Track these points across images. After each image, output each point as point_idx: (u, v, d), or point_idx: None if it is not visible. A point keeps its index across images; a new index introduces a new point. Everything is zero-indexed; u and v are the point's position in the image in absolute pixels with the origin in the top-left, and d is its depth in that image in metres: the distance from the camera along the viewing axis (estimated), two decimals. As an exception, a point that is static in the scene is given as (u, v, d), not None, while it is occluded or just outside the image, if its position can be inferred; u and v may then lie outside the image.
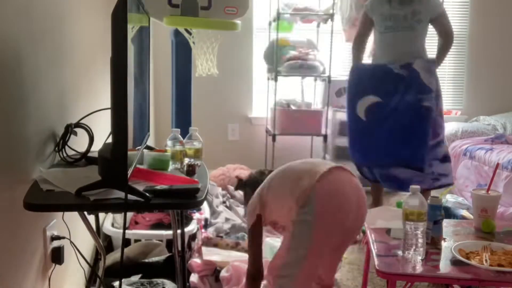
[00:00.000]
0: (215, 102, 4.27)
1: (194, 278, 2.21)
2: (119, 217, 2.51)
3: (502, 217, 2.93)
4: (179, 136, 1.83)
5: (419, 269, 1.55)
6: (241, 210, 3.28)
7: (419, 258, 1.57)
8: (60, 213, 1.66)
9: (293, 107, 3.98)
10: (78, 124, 1.74)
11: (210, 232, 2.74)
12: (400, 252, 1.62)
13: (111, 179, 1.29)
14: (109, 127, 1.28)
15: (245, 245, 2.54)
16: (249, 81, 4.31)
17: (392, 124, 2.98)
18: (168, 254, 2.33)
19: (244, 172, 3.75)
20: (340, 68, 4.23)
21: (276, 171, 1.77)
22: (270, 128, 3.97)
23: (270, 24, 4.03)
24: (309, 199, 1.58)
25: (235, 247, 2.53)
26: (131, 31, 1.57)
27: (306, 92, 4.26)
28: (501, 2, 4.45)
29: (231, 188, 3.54)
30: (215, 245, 2.51)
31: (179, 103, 2.98)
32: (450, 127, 4.23)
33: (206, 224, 2.81)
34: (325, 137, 3.89)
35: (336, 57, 4.06)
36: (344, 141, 3.52)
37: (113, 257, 2.27)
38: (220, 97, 4.28)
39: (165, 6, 2.62)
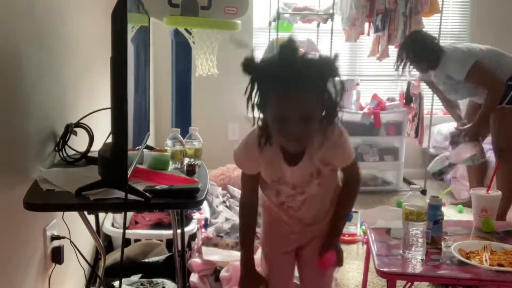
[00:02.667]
0: (215, 102, 4.27)
1: (194, 278, 2.21)
2: (119, 217, 2.51)
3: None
4: (179, 136, 1.83)
5: (419, 269, 1.55)
6: (241, 210, 3.28)
7: (419, 258, 1.57)
8: (60, 213, 1.66)
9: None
10: (78, 124, 1.74)
11: (210, 232, 2.74)
12: (400, 252, 1.62)
13: (111, 179, 1.29)
14: (109, 127, 1.28)
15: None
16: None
17: None
18: (168, 254, 2.33)
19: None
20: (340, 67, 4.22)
21: None
22: (270, 128, 3.96)
23: (270, 24, 4.03)
24: None
25: (235, 246, 2.52)
26: (131, 30, 1.57)
27: (306, 92, 4.26)
28: (501, 2, 4.45)
29: (231, 188, 3.54)
30: (215, 245, 2.51)
31: (179, 103, 2.99)
32: (450, 126, 4.22)
33: (206, 224, 2.81)
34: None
35: (336, 57, 4.06)
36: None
37: (113, 257, 2.27)
38: (220, 97, 4.28)
39: (165, 6, 2.62)
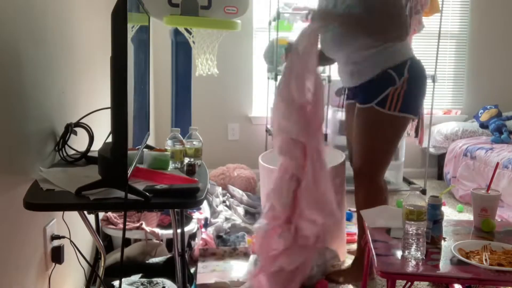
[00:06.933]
0: (215, 102, 4.27)
1: None
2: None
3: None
4: (179, 135, 1.83)
5: (419, 268, 1.55)
6: (241, 210, 3.28)
7: (419, 257, 1.57)
8: (60, 213, 1.66)
9: (293, 107, 3.97)
10: (78, 124, 1.74)
11: (210, 231, 2.74)
12: (400, 252, 1.62)
13: (111, 178, 1.29)
14: (109, 126, 1.28)
15: (243, 249, 2.54)
16: (249, 80, 4.31)
17: None
18: (169, 255, 2.32)
19: (244, 171, 3.76)
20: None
21: None
22: (270, 128, 3.97)
23: (270, 23, 4.03)
24: None
25: (233, 252, 2.52)
26: (131, 30, 1.57)
27: (306, 91, 4.26)
28: (501, 2, 4.46)
29: (231, 187, 3.55)
30: (213, 254, 2.50)
31: (179, 102, 2.98)
32: (450, 126, 4.23)
33: (206, 224, 2.81)
34: (325, 136, 3.89)
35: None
36: (343, 140, 3.52)
37: (113, 256, 2.27)
38: (220, 97, 4.28)
39: (165, 6, 2.62)
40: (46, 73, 1.65)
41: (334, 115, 3.93)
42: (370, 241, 1.75)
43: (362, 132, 2.24)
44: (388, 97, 2.14)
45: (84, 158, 1.69)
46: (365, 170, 2.27)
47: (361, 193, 2.30)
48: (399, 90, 2.14)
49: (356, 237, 2.88)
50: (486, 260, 1.54)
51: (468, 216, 3.31)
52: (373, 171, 2.28)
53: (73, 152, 1.73)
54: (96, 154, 1.42)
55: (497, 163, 2.23)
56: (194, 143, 1.87)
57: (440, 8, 3.85)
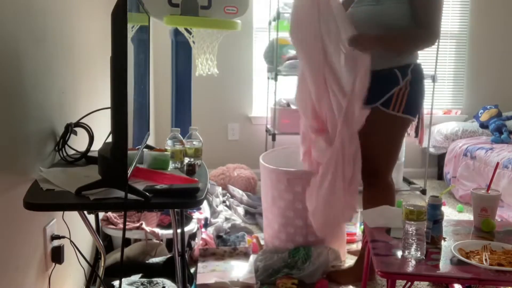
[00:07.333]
0: (215, 102, 4.27)
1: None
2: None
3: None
4: (179, 135, 1.83)
5: (419, 268, 1.55)
6: (241, 210, 3.28)
7: (419, 257, 1.57)
8: (60, 213, 1.66)
9: (293, 107, 3.98)
10: (78, 124, 1.74)
11: (210, 231, 2.74)
12: (400, 252, 1.62)
13: (111, 178, 1.29)
14: (109, 126, 1.28)
15: (243, 249, 2.54)
16: (249, 80, 4.31)
17: None
18: (169, 255, 2.32)
19: (244, 171, 3.76)
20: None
21: None
22: (270, 128, 3.97)
23: (270, 23, 4.03)
24: None
25: (233, 252, 2.52)
26: (131, 30, 1.58)
27: (306, 91, 4.26)
28: (501, 2, 4.46)
29: (231, 187, 3.55)
30: (213, 254, 2.50)
31: (179, 102, 2.99)
32: (450, 126, 4.23)
33: (206, 224, 2.81)
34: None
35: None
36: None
37: (113, 256, 2.27)
38: (220, 97, 4.28)
39: (165, 6, 2.62)
40: (46, 73, 1.65)
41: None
42: (370, 241, 1.75)
43: (368, 133, 2.21)
44: (392, 97, 2.17)
45: (84, 158, 1.69)
46: (373, 170, 2.28)
47: (370, 193, 2.35)
48: (403, 91, 2.18)
49: (355, 237, 2.89)
50: (486, 260, 1.54)
51: (468, 216, 3.31)
52: (381, 171, 2.32)
53: (73, 152, 1.73)
54: (96, 154, 1.42)
55: (497, 163, 2.23)
56: (194, 143, 1.87)
57: (440, 8, 3.85)
